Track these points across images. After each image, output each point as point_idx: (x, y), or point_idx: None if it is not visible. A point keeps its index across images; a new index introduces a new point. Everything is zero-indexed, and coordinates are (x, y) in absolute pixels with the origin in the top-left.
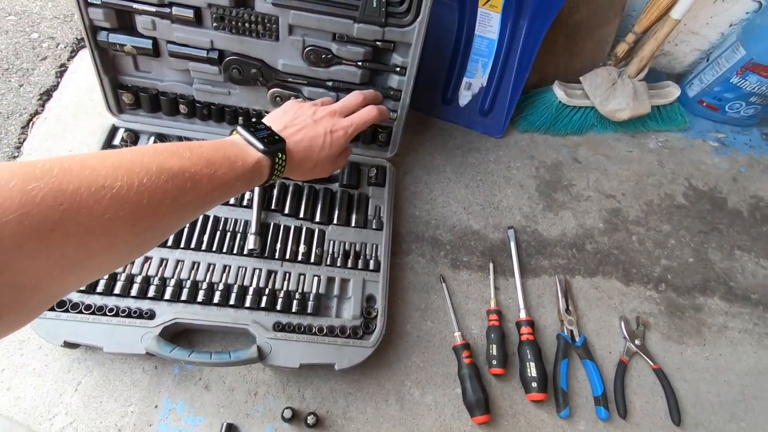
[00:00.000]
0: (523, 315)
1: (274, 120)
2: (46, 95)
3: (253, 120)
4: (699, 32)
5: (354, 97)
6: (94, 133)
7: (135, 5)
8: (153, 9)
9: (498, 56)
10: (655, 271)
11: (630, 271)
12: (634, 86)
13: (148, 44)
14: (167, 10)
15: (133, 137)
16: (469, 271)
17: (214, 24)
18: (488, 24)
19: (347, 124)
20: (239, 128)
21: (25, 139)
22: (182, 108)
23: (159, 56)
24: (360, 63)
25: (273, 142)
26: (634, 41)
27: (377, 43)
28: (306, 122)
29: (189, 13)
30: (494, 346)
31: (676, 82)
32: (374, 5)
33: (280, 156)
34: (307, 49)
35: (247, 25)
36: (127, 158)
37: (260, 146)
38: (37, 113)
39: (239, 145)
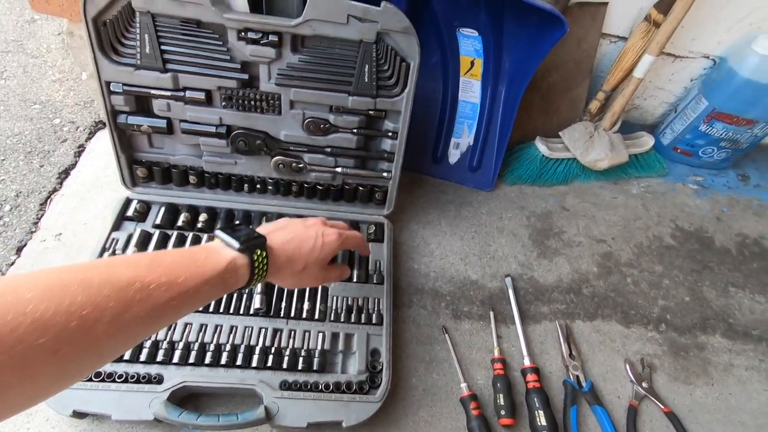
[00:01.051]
0: (527, 362)
1: (262, 227)
2: (65, 173)
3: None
4: (664, 87)
5: (341, 222)
6: (108, 206)
7: (153, 91)
8: (168, 93)
9: (482, 117)
10: (654, 311)
11: (629, 313)
12: (610, 138)
13: (162, 124)
14: (181, 93)
15: (145, 208)
16: (470, 320)
17: (223, 103)
18: (470, 90)
19: (340, 232)
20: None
21: (42, 215)
22: (192, 178)
23: (172, 134)
24: (355, 130)
25: (250, 239)
26: (605, 98)
27: (370, 112)
28: (297, 227)
29: (201, 95)
30: (501, 396)
31: (650, 132)
32: (366, 80)
33: (258, 253)
34: (306, 120)
35: (252, 102)
36: (67, 276)
37: (235, 244)
38: (55, 190)
39: (212, 249)
